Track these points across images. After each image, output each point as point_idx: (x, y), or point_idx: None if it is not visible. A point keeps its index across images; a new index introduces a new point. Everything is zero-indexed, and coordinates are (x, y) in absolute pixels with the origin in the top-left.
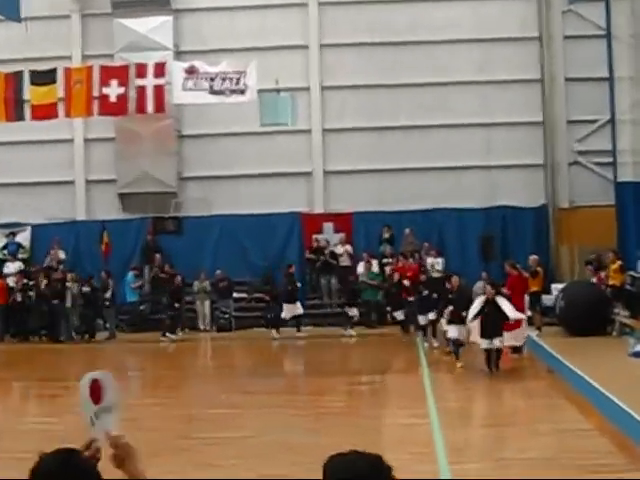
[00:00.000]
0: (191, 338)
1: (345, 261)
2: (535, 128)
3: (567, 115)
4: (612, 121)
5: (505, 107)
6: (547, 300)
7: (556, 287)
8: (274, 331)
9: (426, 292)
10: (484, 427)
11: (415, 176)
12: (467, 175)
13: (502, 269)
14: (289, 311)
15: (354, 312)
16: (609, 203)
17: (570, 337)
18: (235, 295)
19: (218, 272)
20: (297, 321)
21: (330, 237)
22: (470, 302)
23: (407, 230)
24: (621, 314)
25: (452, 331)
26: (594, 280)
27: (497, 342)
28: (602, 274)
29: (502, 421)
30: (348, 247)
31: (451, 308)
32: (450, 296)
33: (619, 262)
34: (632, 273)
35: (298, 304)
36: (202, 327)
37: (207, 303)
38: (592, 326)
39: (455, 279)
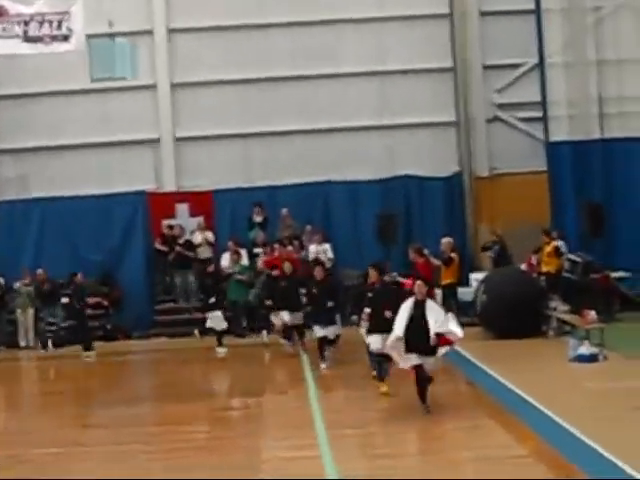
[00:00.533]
0: (9, 357)
1: (205, 252)
2: (444, 76)
3: (483, 59)
4: (540, 65)
5: (406, 51)
6: (465, 294)
7: (476, 277)
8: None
9: (315, 290)
10: (389, 458)
11: (293, 141)
12: (359, 138)
13: (405, 256)
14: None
15: (216, 320)
16: (540, 169)
17: (495, 340)
18: (64, 300)
19: (39, 271)
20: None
21: (185, 222)
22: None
23: (284, 210)
24: (559, 309)
25: (374, 342)
26: (523, 267)
27: (430, 361)
28: (533, 258)
29: (411, 450)
30: (208, 234)
31: (369, 311)
32: (370, 295)
33: (554, 243)
34: (571, 257)
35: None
36: (23, 343)
37: (30, 312)
38: (522, 325)
39: (373, 273)
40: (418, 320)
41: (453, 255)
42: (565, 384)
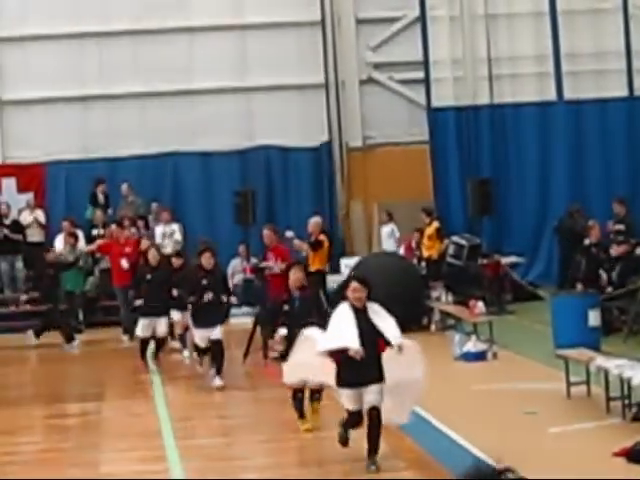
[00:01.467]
0: None
1: (35, 235)
2: (310, 31)
3: (356, 11)
4: (422, 19)
5: (267, 1)
6: (335, 282)
7: (347, 263)
8: None
9: (149, 276)
10: (246, 471)
11: (138, 105)
12: (213, 102)
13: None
14: None
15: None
16: (421, 139)
17: None
18: None
19: None
20: None
21: (12, 199)
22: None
23: (124, 186)
24: (442, 299)
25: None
26: (402, 251)
27: (371, 396)
28: (412, 241)
29: (271, 461)
30: (39, 213)
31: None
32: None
33: (436, 224)
34: (456, 239)
35: None
36: None
37: None
38: (400, 317)
39: (295, 273)
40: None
41: (322, 238)
42: (449, 386)
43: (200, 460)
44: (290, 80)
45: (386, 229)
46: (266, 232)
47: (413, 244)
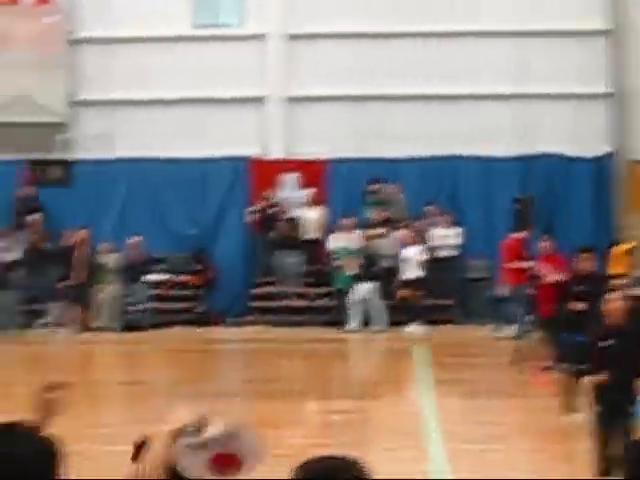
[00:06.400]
0: (87, 340)
1: (313, 232)
2: (595, 40)
3: None
4: None
5: (551, 8)
6: None
7: None
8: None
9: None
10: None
11: (418, 107)
12: (492, 108)
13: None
14: None
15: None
16: None
17: None
18: (150, 278)
19: (134, 240)
20: None
21: (292, 194)
22: None
23: (391, 186)
24: None
25: None
26: None
27: None
28: None
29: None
30: (320, 210)
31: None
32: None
33: None
34: None
35: None
36: (101, 323)
37: (110, 288)
38: None
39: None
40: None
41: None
42: None
43: (466, 464)
44: (571, 89)
45: None
46: (543, 242)
47: None
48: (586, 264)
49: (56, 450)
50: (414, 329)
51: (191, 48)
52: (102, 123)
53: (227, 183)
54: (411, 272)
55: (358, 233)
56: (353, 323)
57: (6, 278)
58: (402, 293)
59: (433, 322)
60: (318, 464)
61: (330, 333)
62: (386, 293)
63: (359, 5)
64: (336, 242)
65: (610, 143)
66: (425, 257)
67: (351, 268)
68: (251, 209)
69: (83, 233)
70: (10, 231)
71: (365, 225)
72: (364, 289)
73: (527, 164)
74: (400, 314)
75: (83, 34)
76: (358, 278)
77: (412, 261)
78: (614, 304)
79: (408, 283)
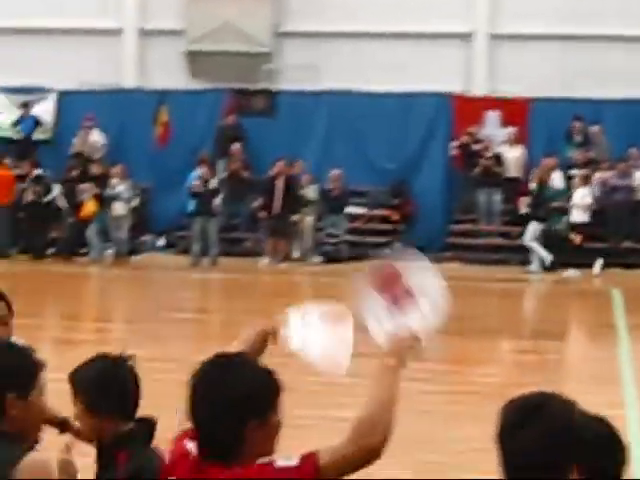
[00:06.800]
0: (286, 270)
1: (514, 170)
2: None
3: None
4: None
5: None
6: None
7: None
8: None
9: None
10: None
11: (627, 48)
12: None
13: None
14: None
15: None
16: None
17: None
18: (349, 210)
19: (335, 172)
20: None
21: (494, 132)
22: None
23: (595, 128)
24: None
25: None
26: None
27: None
28: None
29: None
30: (520, 149)
31: None
32: None
33: None
34: None
35: None
36: (298, 254)
37: (309, 220)
38: None
39: None
40: None
41: None
42: None
43: None
44: None
45: None
46: None
47: None
48: None
49: (278, 384)
50: (572, 273)
51: None
52: (306, 54)
53: (429, 118)
54: (578, 215)
55: (559, 173)
56: (533, 264)
57: (210, 205)
58: (570, 236)
59: (628, 266)
60: (523, 400)
61: (527, 273)
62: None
63: None
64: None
65: None
66: (590, 201)
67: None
68: (455, 144)
69: (283, 164)
70: (213, 158)
71: (567, 165)
72: (533, 229)
73: None
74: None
75: None
76: (527, 218)
77: (579, 204)
78: None
79: (574, 226)
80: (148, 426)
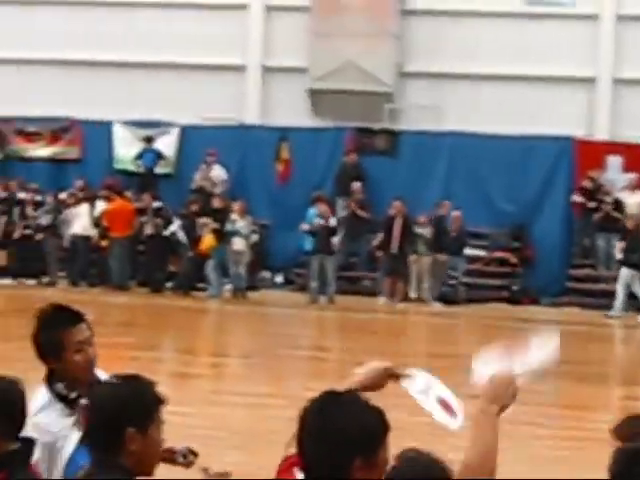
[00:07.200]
0: (403, 310)
1: (635, 216)
2: None
3: None
4: None
5: None
6: None
7: None
8: None
9: None
10: None
11: None
12: None
13: None
14: None
15: None
16: None
17: None
18: (467, 252)
19: (455, 213)
20: None
21: (615, 177)
22: None
23: None
24: None
25: None
26: None
27: None
28: None
29: None
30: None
31: None
32: None
33: None
34: None
35: None
36: (413, 294)
37: (427, 260)
38: None
39: None
40: None
41: None
42: None
43: None
44: None
45: None
46: None
47: None
48: None
49: (386, 424)
50: None
51: (522, 24)
52: (428, 94)
53: (550, 161)
54: None
55: None
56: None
57: (329, 243)
58: None
59: None
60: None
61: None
62: None
63: None
64: None
65: None
66: None
67: None
68: (578, 188)
69: (400, 205)
70: (333, 196)
71: None
72: (625, 274)
73: None
74: None
75: (414, 5)
76: (621, 263)
77: None
78: None
79: None
80: (28, 447)
